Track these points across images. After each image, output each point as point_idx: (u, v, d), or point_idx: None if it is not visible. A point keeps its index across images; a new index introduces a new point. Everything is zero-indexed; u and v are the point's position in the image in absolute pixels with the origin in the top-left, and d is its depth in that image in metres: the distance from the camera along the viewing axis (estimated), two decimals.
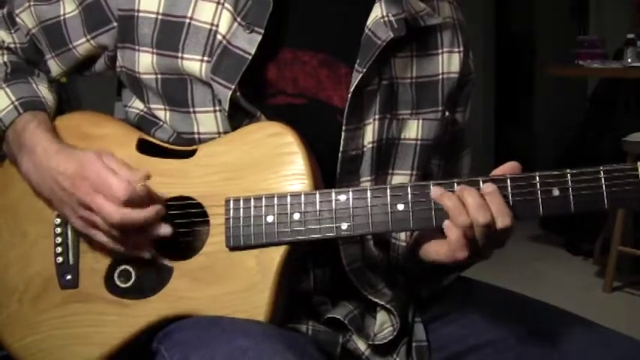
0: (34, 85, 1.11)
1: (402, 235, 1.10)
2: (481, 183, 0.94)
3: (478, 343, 1.07)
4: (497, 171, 0.96)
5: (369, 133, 1.05)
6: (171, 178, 1.02)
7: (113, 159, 1.02)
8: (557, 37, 5.72)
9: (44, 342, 1.04)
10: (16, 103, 1.08)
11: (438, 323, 1.11)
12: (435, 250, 0.98)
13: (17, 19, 1.13)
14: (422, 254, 1.02)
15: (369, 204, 0.95)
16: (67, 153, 1.03)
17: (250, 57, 1.00)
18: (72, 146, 1.05)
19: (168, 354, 0.93)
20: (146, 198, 0.98)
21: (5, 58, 1.13)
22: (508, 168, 0.95)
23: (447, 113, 1.12)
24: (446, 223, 0.92)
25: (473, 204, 0.91)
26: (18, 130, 1.06)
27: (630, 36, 3.92)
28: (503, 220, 0.91)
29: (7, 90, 1.09)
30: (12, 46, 1.14)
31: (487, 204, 0.91)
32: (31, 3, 1.12)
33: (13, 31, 1.14)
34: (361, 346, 1.06)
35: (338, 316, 1.04)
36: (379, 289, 1.08)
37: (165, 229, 0.99)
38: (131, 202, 0.96)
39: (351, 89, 1.02)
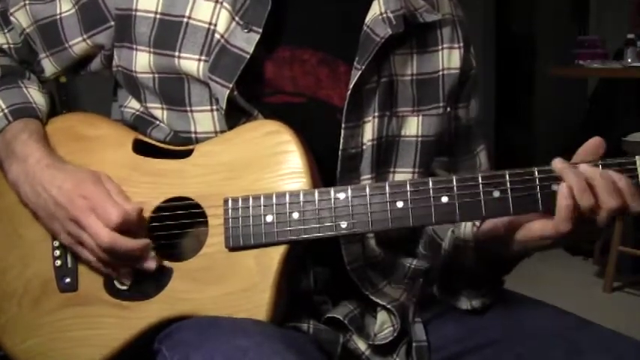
0: (25, 90, 1.11)
1: (470, 235, 1.06)
2: (480, 179, 0.93)
3: (478, 343, 1.06)
4: (581, 150, 0.94)
5: (369, 131, 1.05)
6: (169, 179, 1.02)
7: (110, 182, 1.02)
8: (557, 37, 5.72)
9: (44, 345, 1.03)
10: (6, 110, 1.07)
11: (438, 323, 1.11)
12: (539, 227, 0.95)
13: (11, 18, 1.13)
14: (521, 236, 0.97)
15: (369, 202, 0.95)
16: (61, 168, 1.03)
17: (248, 56, 1.00)
18: (65, 161, 1.05)
19: (169, 354, 0.93)
20: (137, 229, 0.99)
21: None
22: (592, 145, 0.94)
23: (448, 109, 1.12)
24: (562, 190, 0.90)
25: (601, 186, 0.89)
26: (7, 138, 1.06)
27: (630, 36, 3.93)
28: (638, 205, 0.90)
29: None
30: (5, 46, 1.14)
31: (618, 188, 0.90)
32: (27, 2, 1.12)
33: (6, 31, 1.14)
34: (361, 345, 1.06)
35: (338, 316, 1.04)
36: (380, 288, 1.08)
37: (149, 264, 0.99)
38: (122, 228, 0.97)
39: (350, 87, 1.02)
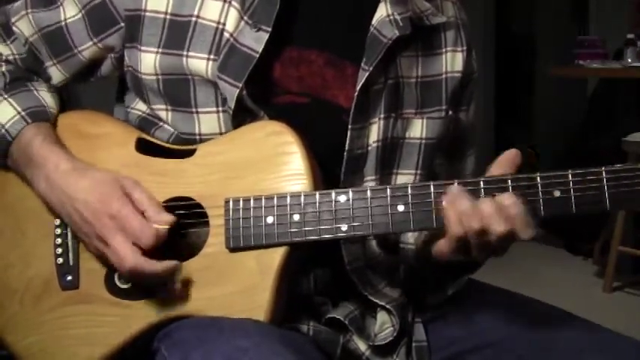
0: (36, 93, 1.10)
1: (411, 239, 1.10)
2: (482, 184, 0.93)
3: (478, 344, 1.07)
4: (499, 163, 0.95)
5: (374, 132, 1.06)
6: (171, 178, 1.02)
7: (138, 190, 0.99)
8: (557, 37, 5.72)
9: (45, 342, 1.03)
10: (23, 113, 1.06)
11: (438, 324, 1.11)
12: (438, 251, 0.98)
13: (14, 28, 1.12)
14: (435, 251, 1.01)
15: (370, 205, 0.95)
16: (82, 174, 1.01)
17: (257, 55, 1.00)
18: (85, 164, 1.03)
19: (168, 353, 0.93)
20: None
21: (3, 68, 1.11)
22: (510, 156, 0.95)
23: (450, 112, 1.12)
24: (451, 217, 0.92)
25: (489, 211, 0.90)
26: (22, 144, 1.05)
27: (630, 36, 3.93)
28: (527, 232, 0.90)
29: (11, 100, 1.07)
30: (10, 57, 1.12)
31: (505, 212, 0.90)
32: (29, 10, 1.11)
33: (9, 42, 1.12)
34: (361, 346, 1.06)
35: (338, 317, 1.04)
36: (380, 289, 1.09)
37: (175, 288, 0.96)
38: (153, 247, 0.95)
39: (358, 88, 1.02)
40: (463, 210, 0.90)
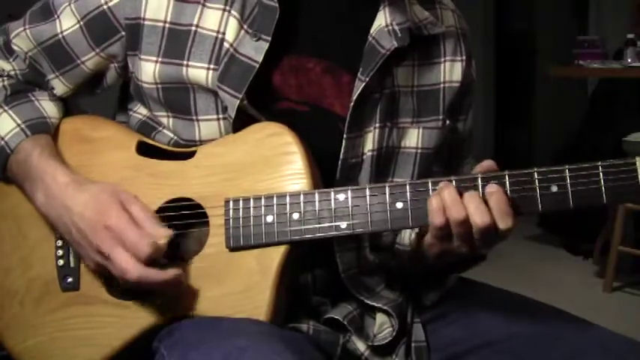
0: (36, 103, 1.09)
1: (407, 240, 1.10)
2: (479, 180, 0.94)
3: (477, 344, 1.07)
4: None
5: (369, 142, 1.06)
6: (171, 180, 1.02)
7: (136, 204, 0.98)
8: (557, 37, 5.73)
9: (46, 344, 1.04)
10: (23, 125, 1.06)
11: (437, 324, 1.11)
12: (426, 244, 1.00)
13: (13, 47, 1.11)
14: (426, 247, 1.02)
15: (368, 202, 0.96)
16: (80, 188, 1.00)
17: (257, 65, 1.00)
18: (83, 176, 1.03)
19: (168, 353, 0.93)
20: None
21: (5, 82, 1.11)
22: (486, 167, 0.96)
23: (447, 122, 1.12)
24: (433, 206, 0.93)
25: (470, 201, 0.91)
26: (21, 157, 1.04)
27: (630, 36, 3.94)
28: (505, 221, 0.91)
29: (11, 112, 1.07)
30: (12, 72, 1.12)
31: (487, 201, 0.91)
32: (26, 27, 1.10)
33: (11, 60, 1.12)
34: (360, 346, 1.06)
35: (337, 317, 1.04)
36: (377, 292, 1.09)
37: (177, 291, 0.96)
38: (152, 259, 0.94)
39: (354, 98, 1.02)
40: (447, 200, 0.91)
